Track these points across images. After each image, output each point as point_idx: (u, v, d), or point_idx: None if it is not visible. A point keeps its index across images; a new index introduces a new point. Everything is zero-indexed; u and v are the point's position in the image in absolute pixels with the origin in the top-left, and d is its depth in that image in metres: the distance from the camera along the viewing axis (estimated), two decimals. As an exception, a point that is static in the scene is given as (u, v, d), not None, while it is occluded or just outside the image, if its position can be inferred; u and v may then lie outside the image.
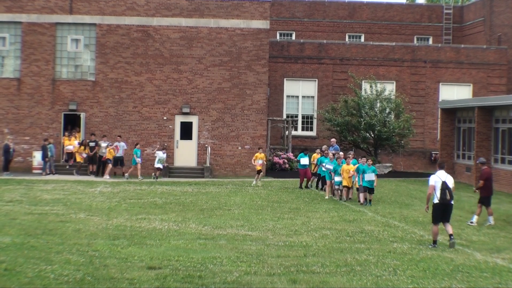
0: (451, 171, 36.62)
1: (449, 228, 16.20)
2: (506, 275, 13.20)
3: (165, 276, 11.97)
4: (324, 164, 28.11)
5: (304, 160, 30.51)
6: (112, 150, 34.14)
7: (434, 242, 16.10)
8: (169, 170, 35.55)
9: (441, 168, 16.41)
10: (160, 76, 37.03)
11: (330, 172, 26.90)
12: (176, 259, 13.50)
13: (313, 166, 31.13)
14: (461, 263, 14.04)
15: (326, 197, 26.56)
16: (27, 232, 16.35)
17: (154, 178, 33.09)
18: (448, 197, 15.87)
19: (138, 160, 33.49)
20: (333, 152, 29.11)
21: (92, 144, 34.94)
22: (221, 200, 24.80)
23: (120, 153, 34.64)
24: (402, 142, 41.39)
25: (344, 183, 25.80)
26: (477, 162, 22.99)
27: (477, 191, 21.05)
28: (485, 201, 20.56)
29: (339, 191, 26.29)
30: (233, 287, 11.36)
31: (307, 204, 24.46)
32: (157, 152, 33.91)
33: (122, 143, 34.98)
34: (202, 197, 25.66)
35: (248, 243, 15.70)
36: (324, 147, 34.68)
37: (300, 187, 30.59)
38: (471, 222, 20.26)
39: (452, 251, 15.66)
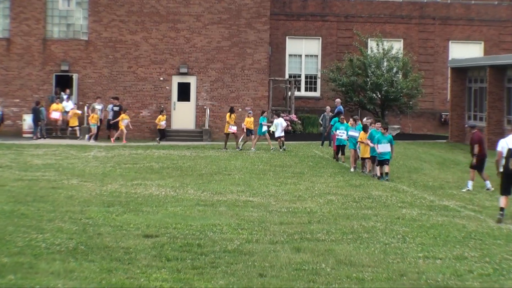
0: (461, 133, 36.59)
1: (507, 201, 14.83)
2: (520, 242, 12.95)
3: (162, 244, 11.89)
4: (337, 132, 25.58)
5: (342, 133, 25.28)
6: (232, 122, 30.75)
7: (502, 209, 14.71)
8: (166, 133, 34.75)
9: None
10: (156, 35, 36.53)
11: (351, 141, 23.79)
12: (174, 226, 13.41)
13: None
14: (474, 230, 13.78)
15: (351, 170, 23.36)
16: (17, 199, 16.22)
17: (281, 149, 29.65)
18: (511, 166, 14.64)
19: (265, 128, 30.15)
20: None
21: (116, 108, 33.57)
22: (221, 165, 24.61)
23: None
24: (411, 102, 41.11)
25: (366, 154, 22.27)
26: (466, 125, 21.64)
27: (474, 159, 19.69)
28: (478, 166, 19.60)
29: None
30: (234, 255, 11.26)
31: (311, 168, 24.16)
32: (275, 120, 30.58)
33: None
34: (201, 162, 25.41)
35: (250, 209, 15.64)
36: (327, 108, 33.75)
37: (335, 158, 26.64)
38: (468, 189, 19.37)
39: (464, 216, 15.35)
